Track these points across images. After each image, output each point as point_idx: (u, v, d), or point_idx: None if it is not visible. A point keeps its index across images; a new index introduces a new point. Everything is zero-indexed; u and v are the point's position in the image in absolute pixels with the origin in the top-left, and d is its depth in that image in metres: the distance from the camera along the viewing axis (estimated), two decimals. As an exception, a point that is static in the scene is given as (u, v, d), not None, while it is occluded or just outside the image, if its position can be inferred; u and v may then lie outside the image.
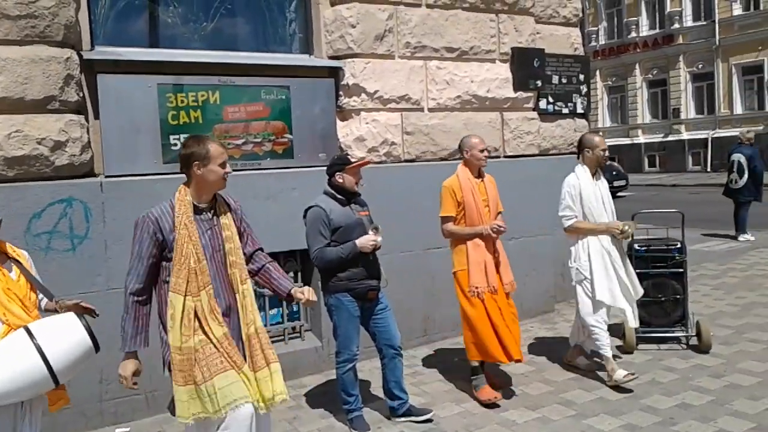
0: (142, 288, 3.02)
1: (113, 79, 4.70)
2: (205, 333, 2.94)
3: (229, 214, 3.12)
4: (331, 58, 5.68)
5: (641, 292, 4.91)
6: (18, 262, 3.19)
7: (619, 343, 5.43)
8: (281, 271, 3.33)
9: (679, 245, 5.40)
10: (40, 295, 3.28)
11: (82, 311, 3.33)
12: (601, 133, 7.22)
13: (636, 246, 5.47)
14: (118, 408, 4.55)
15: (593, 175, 4.83)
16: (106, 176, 4.66)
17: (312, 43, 5.71)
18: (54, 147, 4.37)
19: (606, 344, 4.67)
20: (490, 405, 4.40)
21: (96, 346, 3.10)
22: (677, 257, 5.36)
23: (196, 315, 2.93)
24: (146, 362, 4.64)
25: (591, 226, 4.74)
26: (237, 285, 3.04)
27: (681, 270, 5.37)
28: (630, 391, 4.48)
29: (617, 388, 4.52)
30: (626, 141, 30.77)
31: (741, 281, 7.53)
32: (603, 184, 4.90)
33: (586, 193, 4.76)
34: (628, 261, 4.95)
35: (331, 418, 4.40)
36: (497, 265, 4.61)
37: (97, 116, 4.71)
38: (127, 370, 3.03)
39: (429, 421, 4.24)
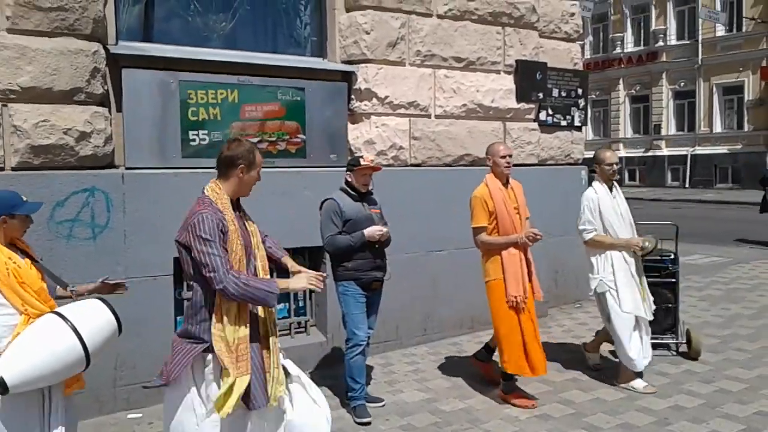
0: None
1: (137, 73, 4.82)
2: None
3: (245, 212, 3.23)
4: (345, 62, 5.85)
5: (653, 306, 4.99)
6: (27, 253, 3.23)
7: (612, 348, 5.66)
8: (278, 244, 3.45)
9: (672, 256, 5.64)
10: (50, 283, 3.33)
11: (110, 288, 3.45)
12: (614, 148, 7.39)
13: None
14: (131, 394, 4.66)
15: (610, 189, 4.90)
16: (127, 168, 4.78)
17: (326, 47, 5.88)
18: (79, 137, 4.49)
19: (633, 357, 4.72)
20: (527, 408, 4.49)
21: (120, 327, 3.21)
22: (670, 268, 5.60)
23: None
24: (158, 352, 4.79)
25: (612, 240, 4.76)
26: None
27: (674, 280, 5.62)
28: (624, 393, 4.71)
29: (614, 390, 4.76)
30: (608, 154, 31.26)
31: (725, 293, 7.83)
32: (621, 197, 4.95)
33: (605, 206, 4.79)
34: (643, 274, 5.00)
35: (339, 409, 4.55)
36: (529, 274, 4.62)
37: (119, 109, 4.83)
38: (301, 280, 3.10)
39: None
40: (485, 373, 5.05)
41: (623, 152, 30.85)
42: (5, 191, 3.19)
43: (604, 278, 4.79)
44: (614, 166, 4.91)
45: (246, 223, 3.16)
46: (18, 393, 2.93)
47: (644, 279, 4.99)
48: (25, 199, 3.12)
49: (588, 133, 32.81)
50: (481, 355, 5.12)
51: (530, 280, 4.62)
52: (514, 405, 4.52)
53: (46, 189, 4.35)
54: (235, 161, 3.06)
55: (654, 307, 4.98)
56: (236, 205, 3.15)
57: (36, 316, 3.06)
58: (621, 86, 31.01)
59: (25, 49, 4.30)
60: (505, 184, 4.70)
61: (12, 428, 3.01)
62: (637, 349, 4.76)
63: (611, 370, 5.11)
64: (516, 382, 4.71)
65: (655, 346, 5.57)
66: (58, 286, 3.39)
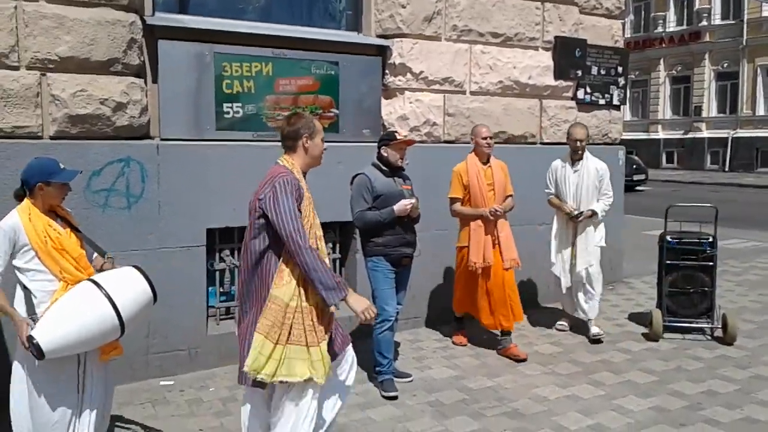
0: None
1: (173, 45, 4.83)
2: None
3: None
4: (380, 36, 5.79)
5: (578, 269, 5.49)
6: (67, 221, 3.29)
7: (645, 330, 5.60)
8: None
9: (711, 239, 5.51)
10: (89, 250, 3.37)
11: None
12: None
13: (668, 238, 5.59)
14: (163, 362, 4.74)
15: (573, 162, 5.51)
16: (162, 139, 4.81)
17: (361, 20, 5.82)
18: (115, 108, 4.52)
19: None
20: (461, 345, 5.34)
21: (155, 296, 3.25)
22: (708, 251, 5.48)
23: None
24: (189, 322, 4.87)
25: (557, 202, 5.59)
26: (324, 248, 3.16)
27: (711, 264, 5.49)
28: (655, 376, 4.65)
29: (646, 373, 4.71)
30: (645, 136, 30.66)
31: (763, 279, 7.65)
32: (584, 172, 5.47)
33: (560, 175, 5.56)
34: (585, 241, 5.48)
35: (367, 383, 4.58)
36: (496, 243, 5.09)
37: (155, 80, 4.85)
38: (363, 303, 3.05)
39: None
40: (512, 355, 5.06)
41: (662, 134, 30.23)
42: (44, 158, 3.24)
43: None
44: (578, 143, 5.45)
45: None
46: (54, 360, 3.00)
47: (578, 243, 5.50)
48: (62, 167, 3.16)
49: (626, 113, 32.20)
50: (500, 344, 5.22)
51: (499, 250, 5.09)
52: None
53: (82, 158, 4.40)
54: (299, 132, 3.13)
55: (580, 268, 5.48)
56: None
57: (74, 283, 3.11)
58: (661, 66, 30.26)
59: (63, 19, 4.34)
60: (485, 162, 5.15)
61: (47, 392, 3.08)
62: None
63: (639, 353, 5.13)
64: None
65: (690, 330, 5.51)
66: (96, 254, 3.43)
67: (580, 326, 5.68)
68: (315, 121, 3.20)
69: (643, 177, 20.79)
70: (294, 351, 2.94)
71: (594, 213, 5.41)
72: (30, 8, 4.25)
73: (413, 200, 4.45)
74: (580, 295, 5.55)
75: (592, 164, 5.49)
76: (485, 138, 5.10)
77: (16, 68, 4.25)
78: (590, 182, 5.45)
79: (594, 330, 5.47)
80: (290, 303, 2.93)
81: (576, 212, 5.42)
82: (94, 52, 4.45)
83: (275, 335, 2.92)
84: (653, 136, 30.48)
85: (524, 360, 4.98)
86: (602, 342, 5.40)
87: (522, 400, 4.28)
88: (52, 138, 4.39)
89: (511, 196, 5.24)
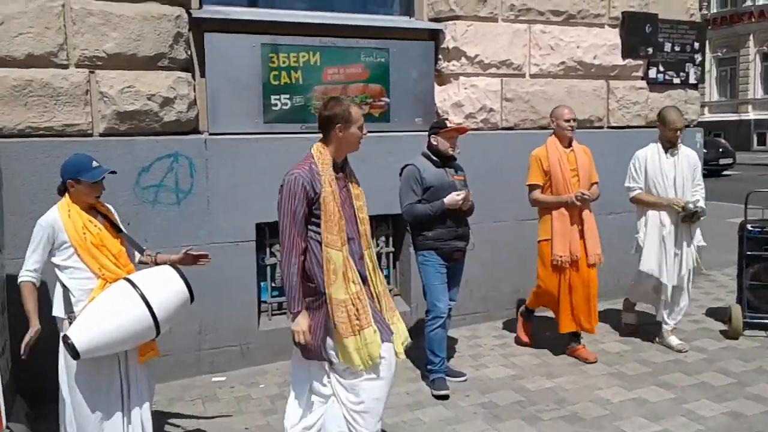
0: (304, 248, 2.95)
1: (219, 38, 4.78)
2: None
3: (353, 175, 3.16)
4: (432, 20, 5.57)
5: (684, 273, 4.83)
6: (106, 217, 3.25)
7: (723, 327, 5.18)
8: None
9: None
10: (130, 248, 3.34)
11: (193, 260, 3.43)
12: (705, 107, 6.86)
13: (749, 227, 5.15)
14: (215, 358, 4.72)
15: (666, 150, 4.82)
16: (210, 134, 4.77)
17: (413, 4, 5.61)
18: (163, 103, 4.51)
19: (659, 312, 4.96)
20: (522, 344, 5.01)
21: (191, 296, 3.18)
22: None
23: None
24: (240, 318, 4.83)
25: (654, 199, 4.80)
26: (369, 242, 3.08)
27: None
28: (733, 378, 4.26)
29: (723, 375, 4.32)
30: (734, 117, 28.97)
31: None
32: (680, 161, 4.81)
33: (652, 167, 4.82)
34: (691, 245, 4.84)
35: (419, 382, 4.41)
36: (583, 236, 4.63)
37: (202, 74, 4.81)
38: (304, 325, 2.95)
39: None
40: (580, 356, 4.75)
41: (752, 114, 28.50)
42: (78, 155, 3.20)
43: (638, 238, 4.89)
44: (678, 133, 4.78)
45: (350, 185, 3.09)
46: (93, 358, 2.98)
47: (688, 247, 4.82)
48: (94, 165, 3.12)
49: (712, 93, 30.55)
50: (570, 343, 4.89)
51: (584, 242, 4.63)
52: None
53: (131, 155, 4.42)
54: (333, 120, 3.00)
55: (685, 271, 4.81)
56: (342, 166, 3.09)
57: (113, 281, 3.09)
58: (751, 43, 28.48)
59: (109, 16, 4.35)
60: (567, 146, 4.72)
61: (87, 391, 3.07)
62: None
63: (716, 353, 4.74)
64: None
65: (761, 326, 5.06)
66: (137, 252, 3.41)
67: (650, 322, 5.29)
68: (352, 109, 3.02)
69: (730, 161, 19.66)
70: None
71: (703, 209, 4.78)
72: (77, 6, 4.28)
73: (465, 192, 4.22)
74: (678, 300, 4.90)
75: (684, 152, 4.88)
76: (568, 120, 4.67)
77: (65, 66, 4.30)
78: (687, 173, 4.82)
79: (676, 342, 4.89)
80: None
81: (692, 206, 4.69)
82: (140, 48, 4.44)
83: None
84: (743, 117, 28.76)
85: (593, 362, 4.65)
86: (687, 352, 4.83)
87: (582, 403, 4.00)
88: (101, 135, 4.42)
89: (596, 183, 4.80)
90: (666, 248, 4.77)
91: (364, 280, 3.03)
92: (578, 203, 4.57)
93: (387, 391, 3.05)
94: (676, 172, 4.79)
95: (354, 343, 2.90)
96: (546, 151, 4.71)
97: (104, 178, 3.15)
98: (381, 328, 2.99)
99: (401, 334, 3.15)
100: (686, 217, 4.74)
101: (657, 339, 5.01)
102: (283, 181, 2.95)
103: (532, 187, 4.77)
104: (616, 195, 5.30)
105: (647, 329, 5.22)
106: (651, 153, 4.86)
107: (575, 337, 4.83)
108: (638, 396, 4.07)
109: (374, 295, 3.08)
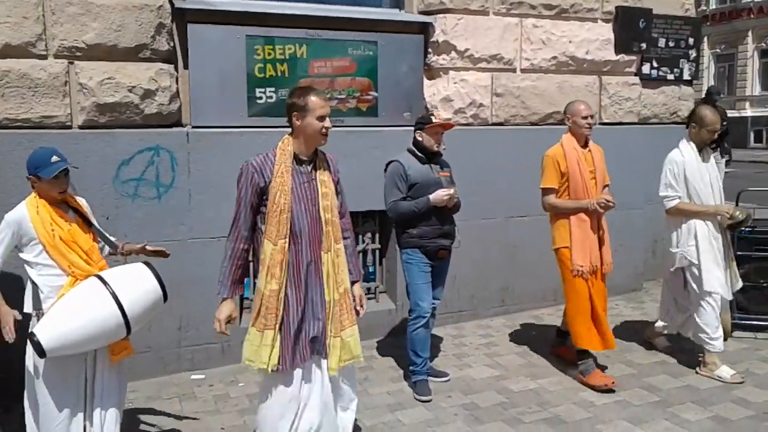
0: (247, 236, 2.99)
1: (203, 29, 4.69)
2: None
3: (327, 171, 3.07)
4: (422, 13, 5.47)
5: (740, 284, 4.53)
6: (78, 211, 3.18)
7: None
8: (354, 255, 3.29)
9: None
10: (101, 243, 3.27)
11: (150, 254, 3.35)
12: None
13: (739, 226, 5.04)
14: (195, 355, 4.65)
15: (700, 152, 4.40)
16: (193, 127, 4.68)
17: (402, -4, 5.52)
18: (144, 95, 4.42)
19: (715, 338, 4.28)
20: (604, 391, 4.09)
21: (165, 295, 3.11)
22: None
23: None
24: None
25: (698, 208, 4.32)
26: (330, 243, 2.99)
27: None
28: (719, 380, 4.20)
29: (709, 378, 4.25)
30: (732, 113, 28.81)
31: None
32: (712, 164, 4.44)
33: (691, 171, 4.33)
34: (731, 250, 4.50)
35: (401, 382, 4.35)
36: (600, 243, 4.29)
37: (186, 66, 4.72)
38: (222, 314, 2.99)
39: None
40: (565, 356, 4.65)
41: (749, 111, 28.37)
42: (40, 150, 3.10)
43: (686, 252, 4.34)
44: (715, 135, 4.39)
45: (318, 182, 3.01)
46: (59, 357, 2.90)
47: (731, 255, 4.46)
48: (54, 160, 3.00)
49: (710, 90, 30.41)
50: (556, 342, 4.80)
51: (600, 251, 4.28)
52: (591, 387, 4.14)
53: (110, 148, 4.34)
54: (289, 109, 2.98)
55: (741, 284, 4.50)
56: (312, 161, 3.02)
57: (83, 277, 3.01)
58: (749, 39, 28.31)
59: (90, 5, 4.26)
60: (584, 145, 4.34)
61: (52, 390, 3.00)
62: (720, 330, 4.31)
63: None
64: (593, 361, 4.32)
65: (763, 328, 5.03)
66: (106, 247, 3.33)
67: (642, 327, 5.23)
68: (310, 98, 2.93)
69: (726, 158, 19.56)
70: None
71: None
72: (56, -5, 4.18)
73: (451, 189, 4.13)
74: (723, 315, 4.45)
75: (710, 154, 4.49)
76: (585, 117, 4.25)
77: (44, 57, 4.21)
78: (719, 177, 4.49)
79: (731, 374, 4.24)
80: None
81: (740, 214, 4.26)
82: (121, 39, 4.35)
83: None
84: (741, 113, 28.63)
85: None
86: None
87: (565, 405, 3.94)
88: (80, 127, 4.33)
89: (607, 186, 4.45)
90: (719, 262, 4.33)
91: (309, 285, 2.95)
92: (601, 210, 4.22)
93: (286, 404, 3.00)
94: (711, 176, 4.41)
95: (253, 335, 2.93)
96: (563, 151, 4.28)
97: (67, 173, 3.06)
98: (299, 344, 2.94)
99: (348, 350, 3.04)
100: (732, 226, 4.36)
101: (700, 369, 4.38)
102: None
103: (547, 191, 4.34)
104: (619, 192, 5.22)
105: (639, 329, 5.16)
106: (689, 156, 4.36)
107: (562, 336, 4.76)
108: (622, 398, 4.01)
109: (328, 301, 3.00)
